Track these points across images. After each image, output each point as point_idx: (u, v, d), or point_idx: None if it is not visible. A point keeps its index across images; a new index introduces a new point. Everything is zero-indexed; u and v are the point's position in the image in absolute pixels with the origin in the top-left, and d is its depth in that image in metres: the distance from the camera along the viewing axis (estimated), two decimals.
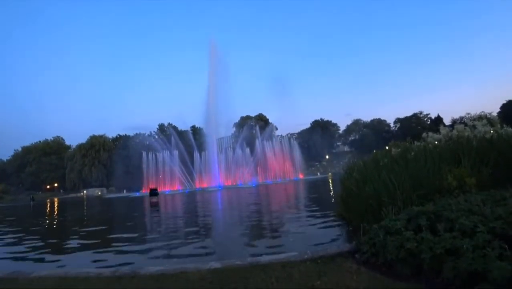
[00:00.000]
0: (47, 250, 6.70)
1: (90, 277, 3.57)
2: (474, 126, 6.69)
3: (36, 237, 8.73)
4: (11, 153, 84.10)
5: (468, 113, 68.68)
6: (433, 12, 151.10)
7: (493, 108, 76.58)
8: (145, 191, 38.10)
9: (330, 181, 28.81)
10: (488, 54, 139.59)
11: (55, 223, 13.08)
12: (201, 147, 45.30)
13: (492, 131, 6.35)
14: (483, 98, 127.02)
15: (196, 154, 43.63)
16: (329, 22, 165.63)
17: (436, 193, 4.57)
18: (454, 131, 7.01)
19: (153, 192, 25.59)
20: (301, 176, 53.86)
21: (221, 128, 50.09)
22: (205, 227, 8.51)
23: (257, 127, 52.95)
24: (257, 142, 46.72)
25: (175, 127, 71.69)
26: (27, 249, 6.78)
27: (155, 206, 17.79)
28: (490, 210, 3.05)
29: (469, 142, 6.02)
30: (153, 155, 42.91)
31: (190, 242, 6.26)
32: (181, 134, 58.10)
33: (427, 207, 3.60)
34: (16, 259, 6.01)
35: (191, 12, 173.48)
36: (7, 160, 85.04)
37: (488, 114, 66.02)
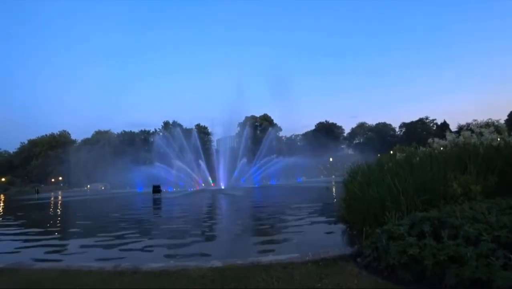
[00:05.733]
0: None
1: (92, 271, 3.60)
2: (481, 134, 6.62)
3: None
4: (18, 145, 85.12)
5: (475, 120, 67.95)
6: (441, 16, 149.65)
7: (501, 116, 75.64)
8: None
9: (333, 183, 28.70)
10: (496, 60, 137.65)
11: None
12: (205, 145, 45.27)
13: (499, 139, 6.28)
14: (490, 106, 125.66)
15: (200, 153, 43.63)
16: (335, 24, 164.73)
17: (441, 199, 4.53)
18: (461, 138, 6.94)
19: (156, 189, 25.71)
20: (304, 178, 53.78)
21: (225, 127, 50.19)
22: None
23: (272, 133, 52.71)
24: (262, 144, 46.61)
25: (179, 125, 71.93)
26: None
27: (157, 203, 17.89)
28: (495, 218, 3.02)
29: (475, 149, 5.96)
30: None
31: None
32: (185, 132, 58.27)
33: (431, 213, 3.57)
34: None
35: (195, 10, 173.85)
36: (13, 152, 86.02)
37: (495, 121, 65.14)
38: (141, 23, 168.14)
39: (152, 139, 56.41)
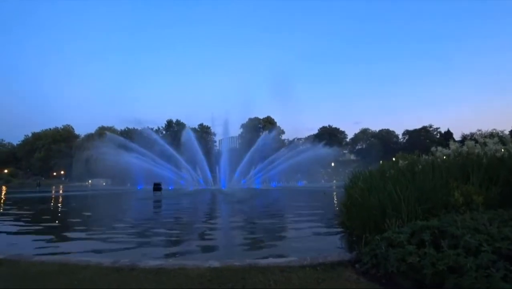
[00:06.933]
0: None
1: (90, 266, 3.61)
2: (485, 144, 6.59)
3: None
4: (21, 137, 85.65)
5: (479, 130, 67.64)
6: (447, 24, 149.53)
7: (505, 127, 75.02)
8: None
9: (334, 187, 28.61)
10: (502, 70, 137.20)
11: None
12: (207, 145, 45.37)
13: (503, 150, 6.24)
14: (495, 116, 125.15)
15: (201, 153, 43.70)
16: (340, 31, 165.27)
17: (442, 209, 4.51)
18: (464, 147, 6.90)
19: (157, 187, 25.72)
20: (305, 182, 53.75)
21: (228, 128, 50.37)
22: None
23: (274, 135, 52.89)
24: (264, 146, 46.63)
25: (182, 124, 72.15)
26: None
27: (157, 201, 17.93)
28: (497, 230, 2.99)
29: (479, 159, 5.93)
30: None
31: None
32: (187, 131, 58.47)
33: (432, 222, 3.55)
34: None
35: (202, 10, 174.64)
36: (17, 144, 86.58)
37: (500, 132, 64.72)
38: (147, 21, 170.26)
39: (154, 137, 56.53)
